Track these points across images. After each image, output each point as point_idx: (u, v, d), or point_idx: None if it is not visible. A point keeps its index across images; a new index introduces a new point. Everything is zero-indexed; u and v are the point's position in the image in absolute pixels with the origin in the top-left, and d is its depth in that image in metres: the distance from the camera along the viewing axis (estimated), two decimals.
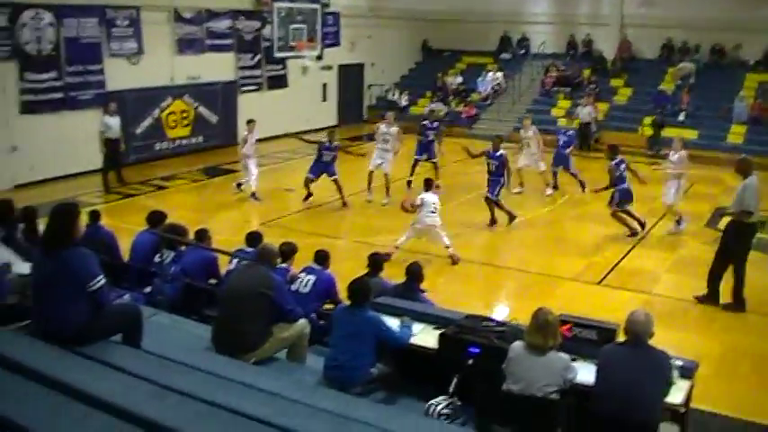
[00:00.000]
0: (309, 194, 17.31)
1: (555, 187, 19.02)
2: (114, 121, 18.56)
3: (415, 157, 18.82)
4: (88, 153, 19.03)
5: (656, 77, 29.12)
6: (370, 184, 17.67)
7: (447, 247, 13.45)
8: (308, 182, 17.18)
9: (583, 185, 18.56)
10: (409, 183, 18.23)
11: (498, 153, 15.65)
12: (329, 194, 17.49)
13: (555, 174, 19.18)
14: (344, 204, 17.22)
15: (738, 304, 11.53)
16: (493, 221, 15.64)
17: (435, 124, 19.22)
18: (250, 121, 18.05)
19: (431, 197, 13.41)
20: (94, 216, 10.44)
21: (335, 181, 17.04)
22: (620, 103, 28.55)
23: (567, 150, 18.96)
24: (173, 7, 21.92)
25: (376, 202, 17.41)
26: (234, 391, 5.49)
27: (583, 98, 26.88)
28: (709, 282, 11.73)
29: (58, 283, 5.84)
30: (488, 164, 15.69)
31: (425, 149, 18.81)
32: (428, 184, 13.71)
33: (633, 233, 15.04)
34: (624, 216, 15.10)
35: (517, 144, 19.68)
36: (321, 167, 17.11)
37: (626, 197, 15.03)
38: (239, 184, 18.16)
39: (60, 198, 14.93)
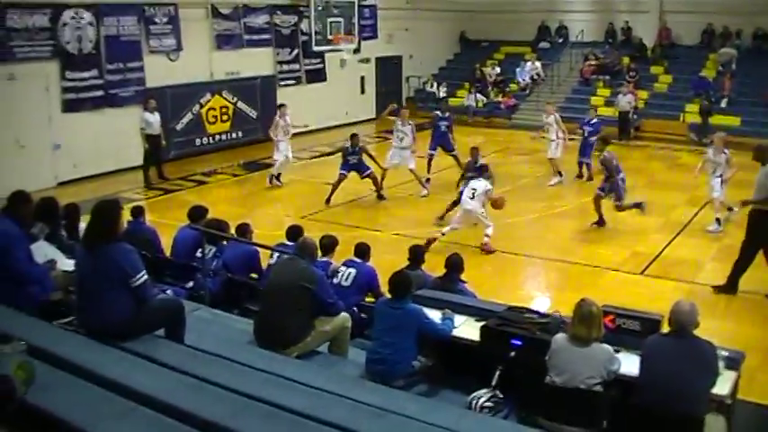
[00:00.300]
0: (330, 198, 17.02)
1: (583, 176, 18.99)
2: (154, 118, 18.74)
3: (429, 151, 18.73)
4: (129, 150, 19.22)
5: (697, 64, 28.74)
6: (382, 180, 17.54)
7: (486, 235, 13.50)
8: (340, 180, 17.08)
9: (590, 178, 18.47)
10: (428, 180, 18.18)
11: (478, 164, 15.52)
12: (367, 188, 17.51)
13: (581, 165, 19.03)
14: (380, 197, 17.26)
15: (731, 288, 11.41)
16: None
17: (447, 115, 18.94)
18: (281, 106, 18.56)
19: (476, 183, 13.65)
20: (136, 212, 10.57)
21: (369, 176, 17.07)
22: (660, 91, 28.21)
23: (593, 139, 18.69)
24: (210, 3, 22.07)
25: (415, 196, 17.38)
26: (275, 385, 5.51)
27: (622, 86, 26.65)
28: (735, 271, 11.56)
29: (102, 278, 5.89)
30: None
31: (439, 141, 18.70)
32: (479, 171, 14.13)
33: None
34: (600, 205, 14.88)
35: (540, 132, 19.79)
36: (348, 167, 17.17)
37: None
38: (276, 177, 18.39)
39: (102, 195, 15.14)
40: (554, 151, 18.84)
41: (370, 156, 17.76)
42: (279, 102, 19.01)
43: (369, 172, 17.17)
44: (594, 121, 19.20)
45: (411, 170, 17.67)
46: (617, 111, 25.46)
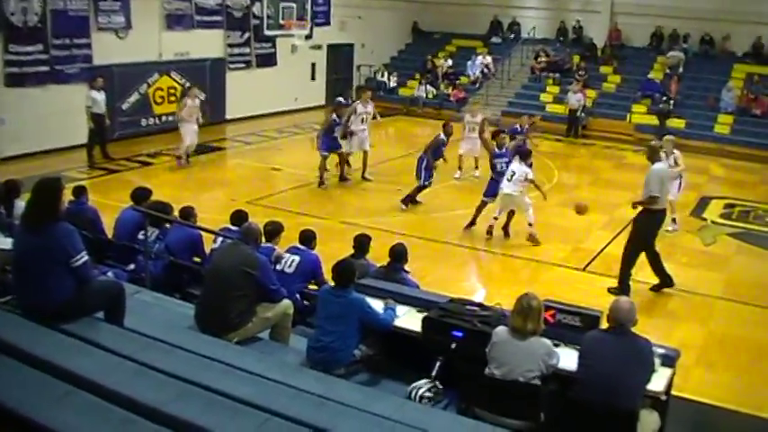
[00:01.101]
0: (323, 180, 17.18)
1: None
2: (101, 96, 18.44)
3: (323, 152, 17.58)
4: (74, 127, 18.87)
5: (646, 65, 29.19)
6: (347, 165, 17.70)
7: (530, 224, 13.79)
8: (324, 162, 17.15)
9: None
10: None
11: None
12: (316, 173, 17.48)
13: None
14: (343, 179, 17.45)
15: (625, 289, 11.35)
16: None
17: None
18: (190, 88, 18.92)
19: (516, 166, 13.75)
20: (78, 192, 10.38)
21: (341, 155, 17.04)
22: (608, 91, 28.54)
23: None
24: None
25: (362, 183, 17.39)
26: (216, 371, 5.47)
27: (572, 84, 26.94)
28: (655, 271, 11.76)
29: (41, 258, 5.79)
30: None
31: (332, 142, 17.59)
32: (518, 152, 14.23)
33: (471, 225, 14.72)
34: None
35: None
36: (329, 143, 17.17)
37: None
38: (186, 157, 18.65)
39: (45, 172, 14.84)
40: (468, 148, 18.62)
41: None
42: (188, 86, 19.03)
43: (342, 150, 17.28)
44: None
45: (366, 152, 17.76)
46: (566, 108, 25.75)
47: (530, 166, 13.91)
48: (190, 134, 18.26)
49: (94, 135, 18.56)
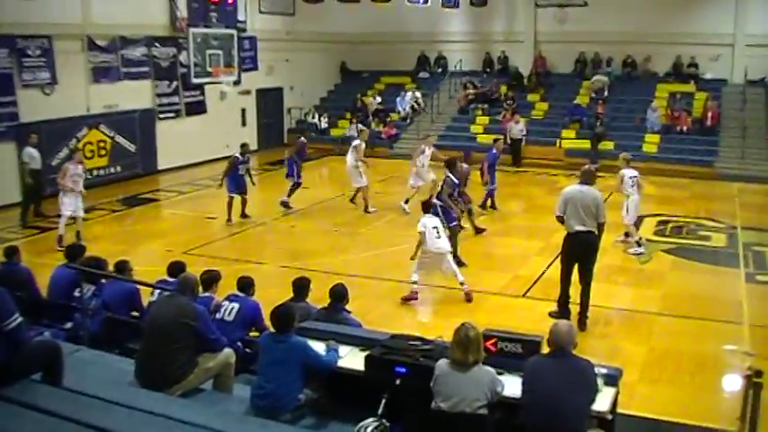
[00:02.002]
0: (230, 218, 17.52)
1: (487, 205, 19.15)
2: (37, 153, 18.23)
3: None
4: (2, 188, 18.57)
5: (572, 91, 29.86)
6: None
7: (461, 283, 12.69)
8: (231, 202, 17.37)
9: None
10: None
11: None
12: (251, 219, 17.47)
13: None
14: (244, 216, 17.75)
15: (564, 311, 11.35)
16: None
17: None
18: (75, 151, 17.51)
19: (429, 220, 12.65)
20: (10, 252, 10.22)
21: (244, 199, 17.48)
22: (537, 118, 29.02)
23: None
24: (86, 35, 21.57)
25: (301, 228, 17.39)
26: (159, 426, 5.41)
27: (501, 114, 27.43)
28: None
29: None
30: None
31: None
32: (425, 206, 13.14)
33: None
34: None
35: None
36: (236, 181, 17.45)
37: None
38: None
39: None
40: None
41: (249, 172, 18.12)
42: (75, 147, 18.56)
43: (245, 195, 17.59)
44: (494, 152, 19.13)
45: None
46: (509, 139, 25.93)
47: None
48: (72, 204, 16.01)
49: (31, 192, 18.24)
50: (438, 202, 14.00)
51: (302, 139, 20.26)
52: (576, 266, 11.33)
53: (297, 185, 19.12)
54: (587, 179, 11.27)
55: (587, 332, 11.00)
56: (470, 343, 5.97)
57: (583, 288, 11.29)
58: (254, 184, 18.77)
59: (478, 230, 16.48)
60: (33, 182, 18.12)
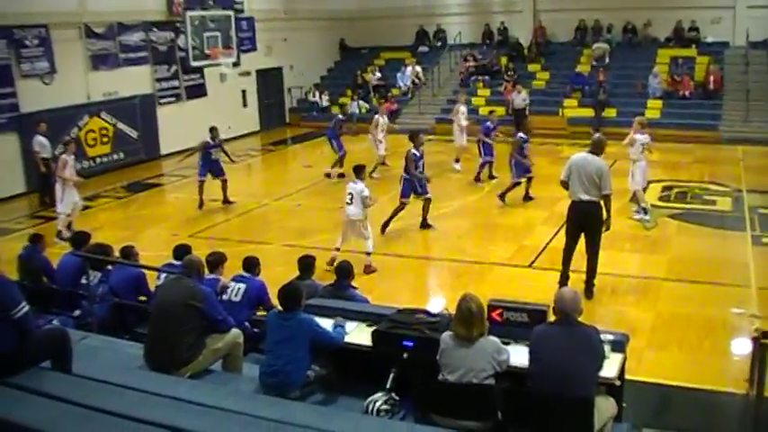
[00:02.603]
0: (202, 202, 17.43)
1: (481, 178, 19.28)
2: (47, 141, 18.37)
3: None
4: (6, 179, 18.63)
5: (572, 59, 29.70)
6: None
7: (367, 253, 12.90)
8: (201, 186, 17.37)
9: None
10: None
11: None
12: (254, 200, 17.49)
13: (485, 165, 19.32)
14: (227, 202, 17.62)
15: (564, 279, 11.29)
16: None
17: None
18: (69, 142, 16.65)
19: (352, 186, 12.94)
20: (34, 238, 10.52)
21: (224, 181, 17.24)
22: (539, 88, 28.91)
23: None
24: (83, 23, 21.53)
25: (306, 206, 17.38)
26: (170, 408, 5.42)
27: (502, 85, 27.32)
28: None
29: None
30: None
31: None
32: (356, 171, 13.28)
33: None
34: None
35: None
36: (207, 166, 17.41)
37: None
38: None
39: None
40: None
41: (225, 152, 18.06)
42: (69, 140, 18.26)
43: (224, 177, 17.37)
44: (496, 123, 19.55)
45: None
46: (512, 109, 25.98)
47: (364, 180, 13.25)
48: (73, 196, 15.79)
49: (45, 180, 18.28)
50: (406, 176, 14.68)
51: (339, 115, 21.35)
52: (581, 237, 11.22)
53: (342, 158, 19.81)
54: (596, 148, 11.11)
55: (594, 299, 11.00)
56: (473, 317, 5.96)
57: (589, 256, 11.23)
58: (233, 161, 18.74)
59: (527, 197, 17.09)
60: (47, 170, 18.17)
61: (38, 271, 9.98)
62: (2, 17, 19.03)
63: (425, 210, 15.08)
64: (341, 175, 18.90)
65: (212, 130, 17.58)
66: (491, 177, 19.19)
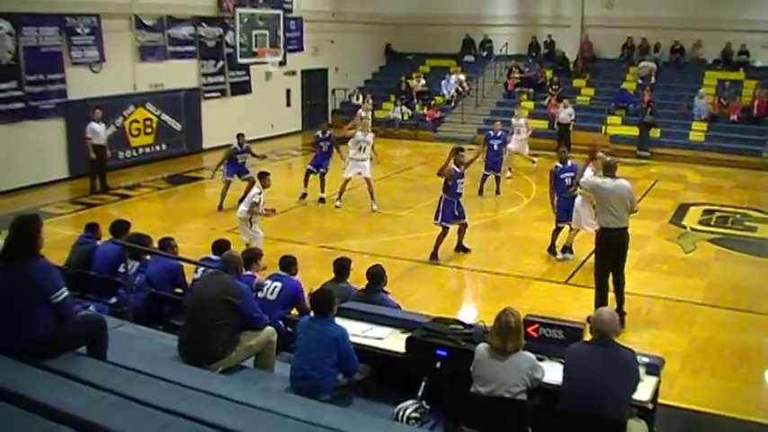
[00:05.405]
0: (221, 204, 17.31)
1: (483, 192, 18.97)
2: (100, 128, 18.73)
3: (310, 167, 18.30)
4: (51, 163, 18.91)
5: (618, 77, 29.49)
6: (342, 192, 17.53)
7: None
8: (227, 187, 17.33)
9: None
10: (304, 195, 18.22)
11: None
12: (293, 200, 17.57)
13: (486, 178, 19.00)
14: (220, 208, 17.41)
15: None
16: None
17: (329, 134, 18.46)
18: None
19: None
20: (91, 226, 10.77)
21: (250, 180, 17.07)
22: (583, 104, 28.71)
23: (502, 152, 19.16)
24: (133, 14, 21.76)
25: (341, 208, 17.39)
26: (201, 401, 5.44)
27: (551, 99, 27.39)
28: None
29: (21, 295, 5.74)
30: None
31: (321, 161, 18.23)
32: (258, 177, 13.45)
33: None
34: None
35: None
36: (234, 169, 17.41)
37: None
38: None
39: (23, 209, 14.82)
40: (525, 149, 21.64)
41: (253, 154, 17.99)
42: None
43: (249, 176, 17.11)
44: (500, 133, 19.33)
45: (368, 179, 17.38)
46: (557, 123, 25.89)
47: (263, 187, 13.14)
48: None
49: (95, 166, 18.71)
50: (446, 196, 13.73)
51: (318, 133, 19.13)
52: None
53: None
54: (613, 171, 10.67)
55: (628, 319, 10.84)
56: (510, 331, 5.94)
57: (618, 288, 10.73)
58: (260, 157, 18.51)
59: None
60: (97, 156, 18.52)
61: (89, 258, 10.08)
62: (55, 5, 19.31)
63: (461, 233, 14.22)
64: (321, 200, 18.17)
65: (239, 136, 17.55)
66: (497, 192, 19.07)
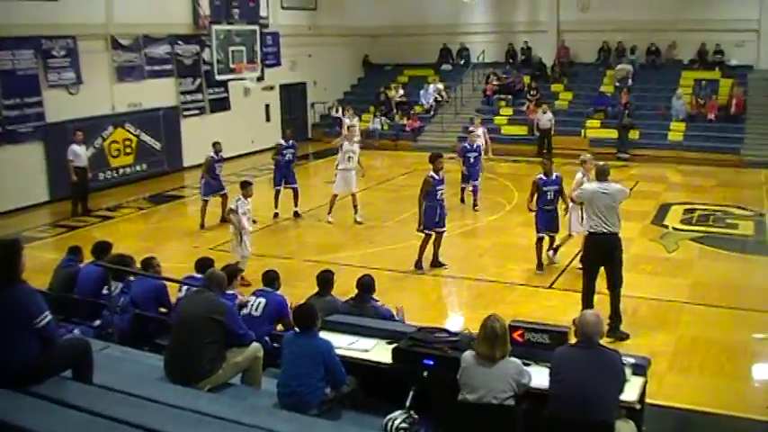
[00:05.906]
0: (203, 223, 17.22)
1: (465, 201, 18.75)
2: (82, 150, 18.69)
3: (276, 187, 18.26)
4: (32, 187, 18.82)
5: (595, 80, 29.71)
6: (332, 207, 17.41)
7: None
8: (205, 206, 17.22)
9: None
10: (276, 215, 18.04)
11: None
12: (280, 213, 17.59)
13: (464, 190, 18.72)
14: (224, 221, 16.77)
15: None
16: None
17: (291, 143, 18.69)
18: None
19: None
20: (73, 250, 10.71)
21: (224, 196, 17.06)
22: (561, 108, 28.85)
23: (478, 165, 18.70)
24: (109, 35, 21.71)
25: (324, 222, 17.37)
26: (189, 421, 5.42)
27: (529, 105, 27.53)
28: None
29: (4, 321, 5.69)
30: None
31: (284, 174, 18.19)
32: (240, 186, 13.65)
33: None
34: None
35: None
36: (211, 187, 17.24)
37: None
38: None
39: (4, 234, 14.72)
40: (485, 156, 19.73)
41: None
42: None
43: (223, 192, 17.15)
44: (476, 146, 18.79)
45: (354, 194, 17.34)
46: (537, 129, 26.24)
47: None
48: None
49: (77, 189, 18.63)
50: (427, 202, 13.60)
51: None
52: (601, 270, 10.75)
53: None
54: (605, 175, 10.69)
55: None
56: (497, 338, 5.96)
57: (612, 296, 10.66)
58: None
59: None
60: (78, 179, 18.46)
61: (72, 282, 10.03)
62: (30, 27, 19.20)
63: (437, 245, 13.90)
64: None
65: (215, 144, 17.45)
66: (474, 206, 18.47)
